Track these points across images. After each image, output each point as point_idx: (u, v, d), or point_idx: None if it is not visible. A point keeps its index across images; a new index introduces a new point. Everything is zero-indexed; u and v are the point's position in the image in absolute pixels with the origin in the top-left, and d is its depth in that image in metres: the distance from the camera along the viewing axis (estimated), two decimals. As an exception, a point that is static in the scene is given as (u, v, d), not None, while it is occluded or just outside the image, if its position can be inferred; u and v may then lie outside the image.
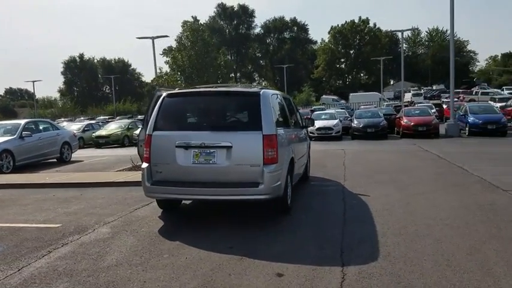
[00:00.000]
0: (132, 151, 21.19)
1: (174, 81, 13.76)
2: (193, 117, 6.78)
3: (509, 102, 30.11)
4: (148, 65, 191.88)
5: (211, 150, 6.09)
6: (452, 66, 24.03)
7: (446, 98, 57.41)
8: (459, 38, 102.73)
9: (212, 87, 7.50)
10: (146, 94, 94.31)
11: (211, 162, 6.09)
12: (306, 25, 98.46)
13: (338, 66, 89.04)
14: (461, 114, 24.33)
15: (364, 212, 6.90)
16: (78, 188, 9.56)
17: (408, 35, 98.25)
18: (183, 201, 7.55)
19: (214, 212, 7.28)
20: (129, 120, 30.63)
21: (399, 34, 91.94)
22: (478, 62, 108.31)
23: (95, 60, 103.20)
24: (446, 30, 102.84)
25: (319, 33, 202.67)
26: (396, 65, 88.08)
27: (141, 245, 5.50)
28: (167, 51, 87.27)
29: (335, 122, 23.47)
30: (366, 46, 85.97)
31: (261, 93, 6.42)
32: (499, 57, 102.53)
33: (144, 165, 6.35)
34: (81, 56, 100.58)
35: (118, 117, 47.85)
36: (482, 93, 57.34)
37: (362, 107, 35.41)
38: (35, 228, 6.47)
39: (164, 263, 4.88)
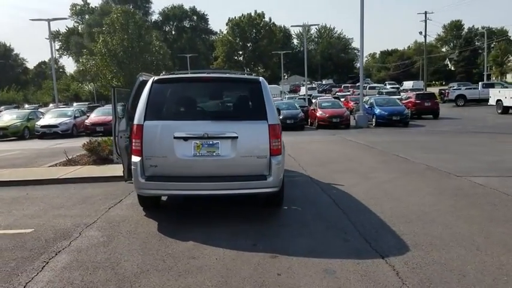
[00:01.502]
0: (39, 144, 19.25)
1: (105, 66, 12.53)
2: (190, 105, 6.14)
3: (403, 96, 33.00)
4: (32, 51, 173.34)
5: (215, 142, 5.60)
6: (361, 65, 25.58)
7: (337, 91, 61.78)
8: (345, 35, 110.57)
9: (204, 72, 6.91)
10: (30, 81, 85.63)
11: (214, 154, 5.60)
12: (206, 15, 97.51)
13: (236, 58, 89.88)
14: (368, 106, 26.01)
15: (353, 202, 6.93)
16: (18, 186, 8.26)
17: (299, 31, 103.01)
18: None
19: (200, 208, 6.76)
20: (29, 110, 27.47)
21: (291, 30, 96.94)
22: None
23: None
24: (334, 28, 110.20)
25: (218, 24, 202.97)
26: (289, 60, 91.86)
27: (153, 248, 4.88)
28: (55, 35, 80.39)
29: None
30: (262, 40, 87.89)
31: (260, 80, 6.08)
32: (378, 55, 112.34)
33: (136, 158, 5.61)
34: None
35: (3, 107, 42.80)
36: (370, 88, 62.18)
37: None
38: (4, 235, 5.44)
39: (196, 265, 4.38)
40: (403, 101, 29.79)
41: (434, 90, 52.19)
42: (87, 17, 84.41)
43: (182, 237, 5.20)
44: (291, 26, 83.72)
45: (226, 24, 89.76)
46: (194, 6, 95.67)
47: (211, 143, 5.59)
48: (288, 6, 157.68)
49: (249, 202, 6.88)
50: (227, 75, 6.78)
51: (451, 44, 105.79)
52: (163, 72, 6.36)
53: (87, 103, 45.52)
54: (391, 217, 5.96)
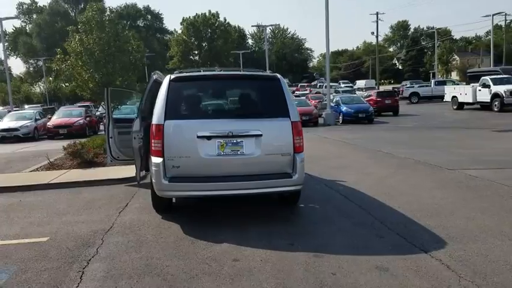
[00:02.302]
0: (1, 149, 17.96)
1: (82, 66, 11.81)
2: (210, 103, 5.94)
3: (365, 93, 33.90)
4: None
5: (239, 140, 5.43)
6: (327, 65, 25.98)
7: (295, 90, 62.64)
8: (298, 36, 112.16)
9: (220, 70, 6.67)
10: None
11: (239, 152, 5.43)
12: (161, 14, 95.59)
13: (192, 58, 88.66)
14: (334, 104, 26.47)
15: (365, 197, 6.95)
16: (6, 192, 7.70)
17: (254, 31, 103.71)
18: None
19: (216, 208, 6.53)
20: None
21: (246, 30, 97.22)
22: (315, 58, 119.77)
23: None
24: (287, 28, 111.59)
25: (173, 24, 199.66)
26: (244, 60, 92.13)
27: (189, 252, 4.69)
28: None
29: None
30: (217, 40, 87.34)
31: (279, 77, 5.96)
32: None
33: (157, 160, 5.33)
34: None
35: None
36: (326, 87, 63.45)
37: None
38: (18, 245, 5.02)
39: (244, 268, 4.23)
40: (366, 99, 30.54)
41: (387, 88, 54.05)
42: (35, 16, 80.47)
43: (213, 239, 5.00)
44: (252, 26, 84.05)
45: (181, 24, 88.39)
46: (148, 5, 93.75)
47: (235, 141, 5.42)
48: (241, 6, 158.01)
49: (264, 201, 6.74)
50: (244, 72, 6.59)
51: (398, 44, 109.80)
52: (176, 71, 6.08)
53: (39, 105, 43.41)
54: (411, 211, 6.00)
